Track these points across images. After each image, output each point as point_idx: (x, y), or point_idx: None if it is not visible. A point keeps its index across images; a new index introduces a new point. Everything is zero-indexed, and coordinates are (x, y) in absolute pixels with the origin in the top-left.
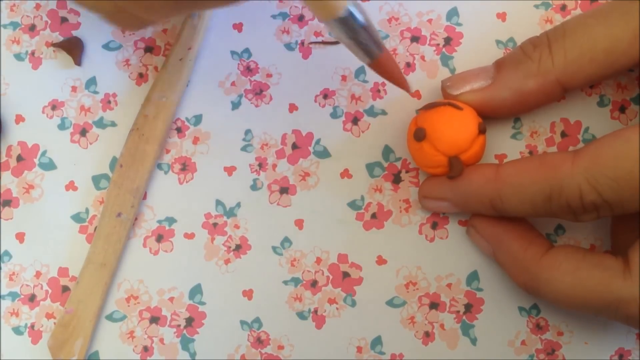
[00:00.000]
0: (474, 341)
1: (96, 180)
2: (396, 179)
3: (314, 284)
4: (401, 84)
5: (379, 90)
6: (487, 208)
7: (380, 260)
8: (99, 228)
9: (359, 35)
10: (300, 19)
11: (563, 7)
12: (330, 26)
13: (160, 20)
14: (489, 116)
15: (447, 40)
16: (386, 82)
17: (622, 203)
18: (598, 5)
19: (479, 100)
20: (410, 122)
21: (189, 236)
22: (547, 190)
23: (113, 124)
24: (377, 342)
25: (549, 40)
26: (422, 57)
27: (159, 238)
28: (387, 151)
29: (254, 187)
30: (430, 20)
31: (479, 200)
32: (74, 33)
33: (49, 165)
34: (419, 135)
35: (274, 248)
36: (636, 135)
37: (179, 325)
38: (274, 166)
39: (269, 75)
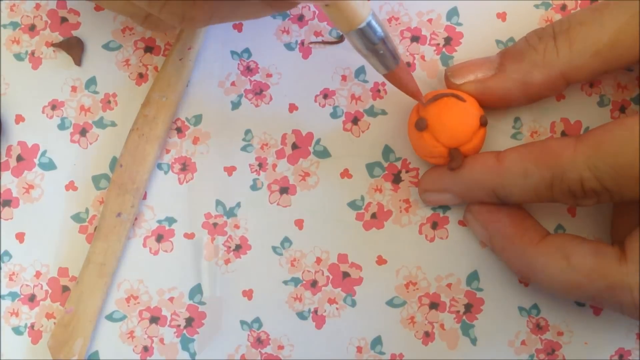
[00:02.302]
0: (474, 341)
1: (96, 180)
2: (396, 179)
3: (314, 284)
4: (415, 95)
5: (379, 90)
6: (490, 196)
7: (380, 260)
8: (98, 228)
9: (376, 47)
10: (300, 18)
11: (563, 7)
12: (349, 37)
13: (189, 27)
14: (492, 107)
15: (447, 40)
16: (386, 82)
17: (622, 191)
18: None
19: (482, 91)
20: (411, 109)
21: (189, 236)
22: (549, 178)
23: (113, 124)
24: (377, 342)
25: (554, 33)
26: (422, 57)
27: (159, 238)
28: (387, 151)
29: (254, 187)
30: (430, 20)
31: (482, 189)
32: (74, 33)
33: (49, 165)
34: (421, 125)
35: (274, 248)
36: (637, 124)
37: (178, 325)
38: (274, 166)
39: (269, 75)
